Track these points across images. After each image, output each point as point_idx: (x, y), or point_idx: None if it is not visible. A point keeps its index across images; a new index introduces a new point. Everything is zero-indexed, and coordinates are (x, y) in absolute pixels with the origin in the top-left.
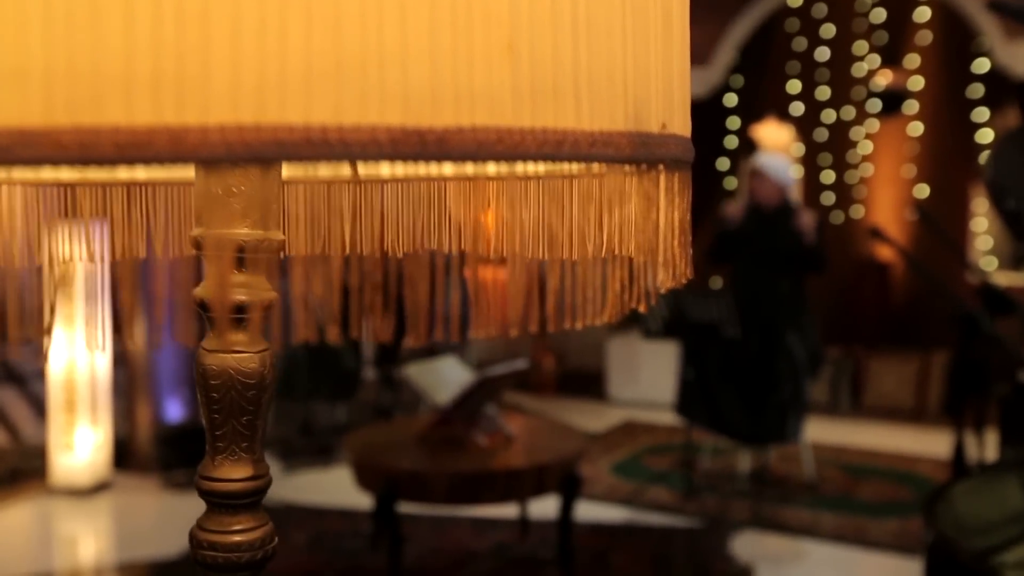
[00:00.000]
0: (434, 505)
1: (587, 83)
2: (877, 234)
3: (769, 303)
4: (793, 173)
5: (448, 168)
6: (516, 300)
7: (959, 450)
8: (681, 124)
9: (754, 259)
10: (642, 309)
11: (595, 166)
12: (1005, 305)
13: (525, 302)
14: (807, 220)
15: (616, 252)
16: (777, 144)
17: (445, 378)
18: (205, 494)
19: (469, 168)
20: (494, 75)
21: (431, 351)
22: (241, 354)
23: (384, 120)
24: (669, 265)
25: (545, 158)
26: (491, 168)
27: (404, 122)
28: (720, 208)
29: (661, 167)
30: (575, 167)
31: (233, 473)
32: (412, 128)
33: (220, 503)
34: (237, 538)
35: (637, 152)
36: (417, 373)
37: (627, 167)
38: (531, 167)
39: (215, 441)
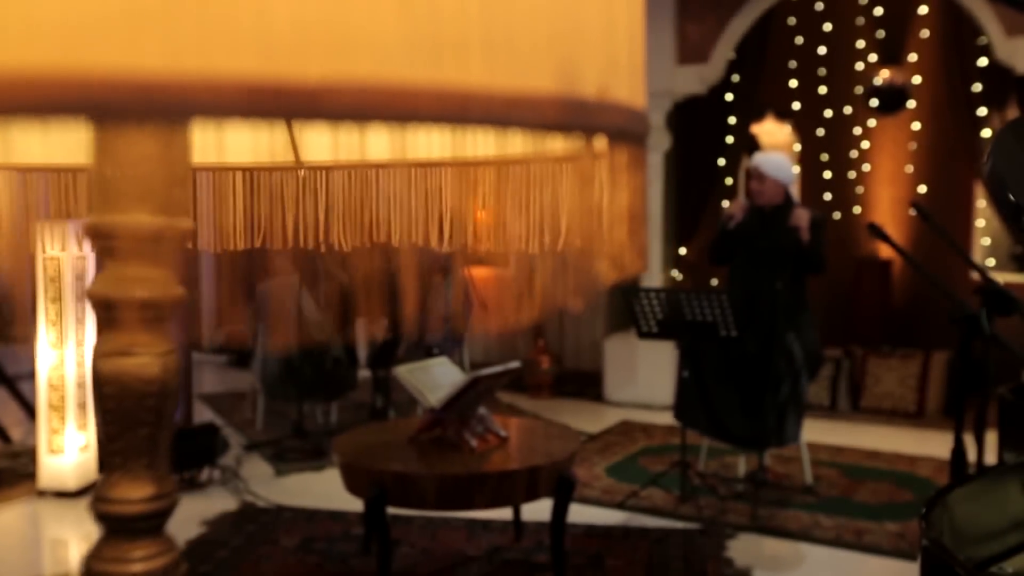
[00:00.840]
0: (424, 509)
1: (502, 34)
2: (875, 230)
3: (767, 302)
4: (792, 170)
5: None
6: (411, 292)
7: (958, 453)
8: (630, 91)
9: (752, 258)
10: (577, 307)
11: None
12: (1006, 304)
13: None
14: (800, 215)
15: (544, 239)
16: (776, 142)
17: (436, 379)
18: (100, 517)
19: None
20: (380, 18)
21: (426, 352)
22: (139, 358)
23: (236, 68)
24: (615, 255)
25: (448, 121)
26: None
27: (263, 71)
28: (722, 207)
29: (601, 139)
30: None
31: (131, 493)
32: (273, 80)
33: (117, 527)
34: (136, 567)
35: (568, 119)
36: (408, 374)
37: (557, 139)
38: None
39: (110, 456)
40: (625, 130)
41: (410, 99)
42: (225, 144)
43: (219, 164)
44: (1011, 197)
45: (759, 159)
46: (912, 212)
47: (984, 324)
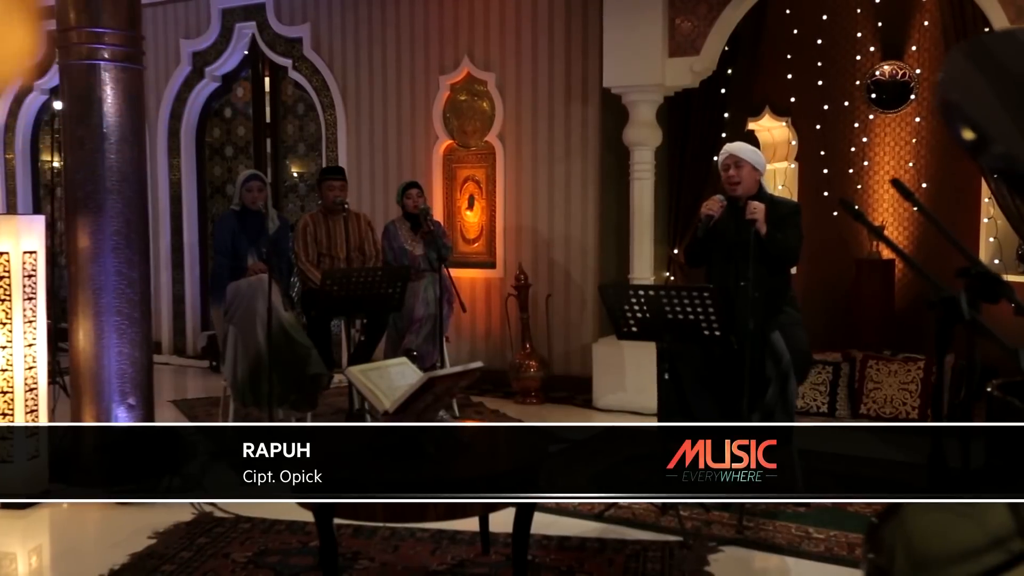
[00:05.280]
0: (373, 521)
1: None
2: (846, 205)
3: (743, 300)
4: (763, 160)
5: None
6: None
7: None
8: None
9: (723, 255)
10: None
11: None
12: (992, 288)
13: None
14: (755, 207)
15: None
16: (772, 137)
17: (393, 381)
18: None
19: None
20: None
21: (405, 355)
22: None
23: None
24: None
25: None
26: None
27: None
28: (701, 208)
29: None
30: None
31: None
32: None
33: None
34: None
35: None
36: (361, 375)
37: None
38: None
39: None
40: None
41: None
42: None
43: None
44: (965, 132)
45: (733, 146)
46: (900, 194)
47: (964, 308)
